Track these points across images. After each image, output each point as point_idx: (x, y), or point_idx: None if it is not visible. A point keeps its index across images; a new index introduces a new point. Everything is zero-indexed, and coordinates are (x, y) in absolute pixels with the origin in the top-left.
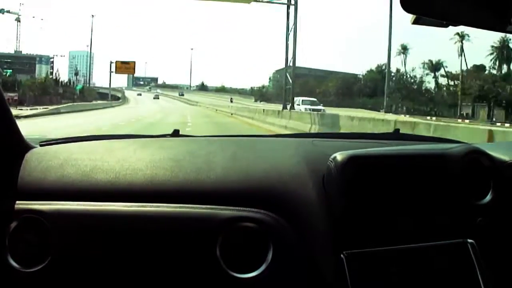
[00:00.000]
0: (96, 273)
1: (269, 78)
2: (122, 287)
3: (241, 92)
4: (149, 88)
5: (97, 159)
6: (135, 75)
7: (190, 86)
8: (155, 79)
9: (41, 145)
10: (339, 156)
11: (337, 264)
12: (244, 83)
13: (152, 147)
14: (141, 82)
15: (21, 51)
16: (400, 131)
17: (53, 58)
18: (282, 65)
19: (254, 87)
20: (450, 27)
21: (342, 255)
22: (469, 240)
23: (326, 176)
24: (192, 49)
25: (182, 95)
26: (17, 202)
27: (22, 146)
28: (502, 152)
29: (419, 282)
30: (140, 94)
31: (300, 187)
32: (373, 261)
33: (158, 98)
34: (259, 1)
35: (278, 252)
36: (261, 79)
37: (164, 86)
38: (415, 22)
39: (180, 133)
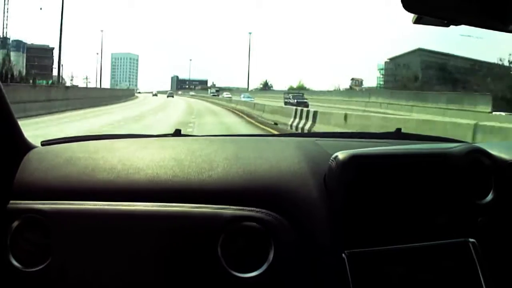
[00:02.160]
0: (98, 273)
1: (381, 70)
2: (124, 286)
3: (324, 93)
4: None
5: (99, 159)
6: (181, 77)
7: (248, 86)
8: (204, 82)
9: (42, 145)
10: (340, 155)
11: (338, 264)
12: (326, 82)
13: (153, 147)
14: (186, 85)
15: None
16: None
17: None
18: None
19: (338, 87)
20: (452, 26)
21: (343, 255)
22: (471, 239)
23: (327, 175)
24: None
25: (216, 94)
26: (19, 201)
27: (23, 146)
28: (503, 151)
29: (421, 281)
30: (156, 95)
31: (301, 186)
32: (375, 260)
33: (173, 97)
34: None
35: (279, 251)
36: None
37: (214, 88)
38: (417, 21)
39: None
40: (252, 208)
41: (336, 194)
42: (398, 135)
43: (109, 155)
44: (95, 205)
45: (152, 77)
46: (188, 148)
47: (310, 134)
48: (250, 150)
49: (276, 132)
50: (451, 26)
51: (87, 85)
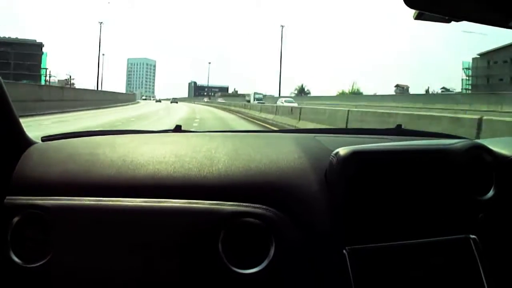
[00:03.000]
0: (98, 269)
1: (466, 69)
2: (124, 282)
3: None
4: (209, 97)
5: (99, 154)
6: (199, 83)
7: (280, 92)
8: (224, 88)
9: (43, 141)
10: (341, 151)
11: (339, 260)
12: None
13: (154, 143)
14: (205, 93)
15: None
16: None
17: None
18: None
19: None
20: (453, 22)
21: (344, 251)
22: (472, 236)
23: (328, 171)
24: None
25: (262, 102)
26: (19, 197)
27: (24, 142)
28: (504, 148)
29: (422, 277)
30: (160, 101)
31: (302, 182)
32: (376, 256)
33: (177, 103)
34: None
35: (280, 247)
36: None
37: (236, 95)
38: (418, 17)
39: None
40: (253, 204)
41: (337, 190)
42: (398, 131)
43: (110, 150)
44: (96, 200)
45: (170, 83)
46: (188, 144)
47: (310, 130)
48: (251, 146)
49: (275, 128)
50: (452, 22)
51: (70, 85)
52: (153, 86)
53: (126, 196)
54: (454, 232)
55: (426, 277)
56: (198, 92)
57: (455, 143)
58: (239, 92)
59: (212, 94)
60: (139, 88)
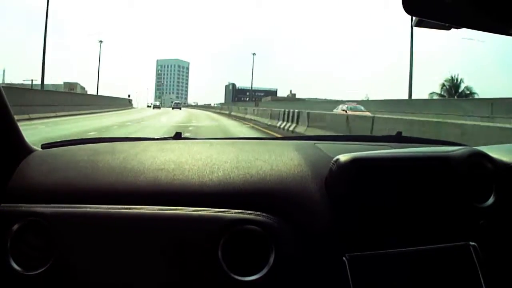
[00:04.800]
0: (98, 276)
1: None
2: None
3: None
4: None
5: (99, 162)
6: (238, 85)
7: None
8: (272, 92)
9: (43, 148)
10: (341, 158)
11: (339, 267)
12: None
13: (154, 150)
14: (246, 97)
15: None
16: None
17: None
18: None
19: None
20: (453, 29)
21: (344, 258)
22: (472, 243)
23: (328, 178)
24: None
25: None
26: (19, 205)
27: (24, 149)
28: (504, 155)
29: (422, 284)
30: (159, 107)
31: (302, 189)
32: (376, 264)
33: (180, 109)
34: None
35: (280, 254)
36: None
37: (293, 99)
38: (418, 24)
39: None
40: (253, 212)
41: (336, 197)
42: (398, 138)
43: (110, 158)
44: (96, 208)
45: (205, 87)
46: (188, 151)
47: (310, 137)
48: (250, 153)
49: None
50: (452, 29)
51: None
52: (186, 90)
53: (126, 203)
54: (454, 239)
55: (426, 284)
56: (237, 96)
57: (455, 150)
58: (297, 96)
59: (258, 98)
60: (170, 93)
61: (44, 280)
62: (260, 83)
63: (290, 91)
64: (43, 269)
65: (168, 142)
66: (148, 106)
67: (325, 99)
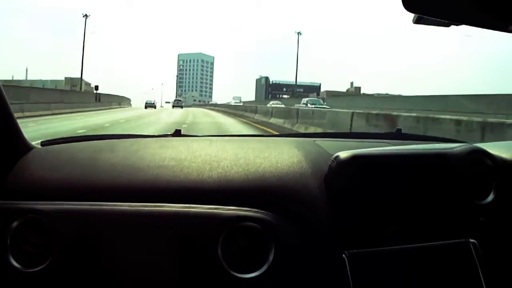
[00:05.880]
0: (98, 274)
1: None
2: (124, 286)
3: None
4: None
5: (99, 159)
6: (273, 79)
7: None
8: (315, 87)
9: (42, 145)
10: (341, 155)
11: (339, 264)
12: None
13: (153, 147)
14: (281, 94)
15: None
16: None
17: None
18: None
19: None
20: (452, 26)
21: (344, 255)
22: (471, 240)
23: (328, 175)
24: None
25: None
26: (19, 202)
27: (23, 146)
28: (504, 152)
29: (422, 281)
30: (153, 106)
31: (301, 186)
32: (375, 260)
33: (181, 107)
34: None
35: (279, 252)
36: None
37: (354, 94)
38: (417, 21)
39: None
40: (252, 209)
41: (336, 194)
42: (398, 135)
43: (109, 155)
44: (96, 205)
45: (231, 82)
46: (188, 148)
47: (310, 134)
48: (250, 150)
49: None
50: (452, 26)
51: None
52: (211, 87)
53: (126, 200)
54: (454, 236)
55: (426, 281)
56: (272, 92)
57: (455, 147)
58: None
59: (296, 95)
60: (193, 90)
61: (44, 277)
62: (297, 78)
63: (351, 84)
64: (42, 266)
65: (168, 139)
66: (145, 106)
67: (399, 95)
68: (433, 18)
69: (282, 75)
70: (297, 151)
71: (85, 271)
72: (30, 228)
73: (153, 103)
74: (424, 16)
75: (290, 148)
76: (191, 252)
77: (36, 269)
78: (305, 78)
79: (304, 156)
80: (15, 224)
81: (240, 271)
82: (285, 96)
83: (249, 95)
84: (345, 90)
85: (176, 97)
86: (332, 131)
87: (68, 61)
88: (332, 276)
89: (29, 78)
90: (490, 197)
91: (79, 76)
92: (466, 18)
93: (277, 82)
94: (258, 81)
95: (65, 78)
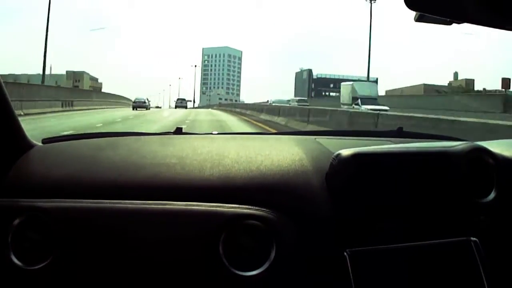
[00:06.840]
0: (99, 271)
1: None
2: (125, 284)
3: None
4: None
5: (101, 156)
6: (316, 73)
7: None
8: (371, 82)
9: (43, 143)
10: (342, 153)
11: (340, 262)
12: None
13: (155, 145)
14: (327, 91)
15: None
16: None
17: None
18: None
19: None
20: (454, 24)
21: (345, 253)
22: (473, 238)
23: (329, 173)
24: None
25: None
26: (20, 199)
27: (24, 144)
28: (505, 150)
29: (422, 280)
30: (145, 107)
31: (303, 184)
32: (376, 259)
33: (186, 108)
34: None
35: (281, 250)
36: None
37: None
38: (419, 19)
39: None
40: (254, 206)
41: (337, 192)
42: (399, 133)
43: (111, 153)
44: (97, 203)
45: (263, 80)
46: (189, 146)
47: (311, 132)
48: (252, 148)
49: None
50: (454, 24)
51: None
52: (238, 84)
53: (128, 198)
54: (455, 235)
55: (427, 279)
56: (316, 89)
57: (456, 145)
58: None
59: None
60: (219, 87)
61: (45, 275)
62: (369, 69)
63: (455, 74)
64: (44, 264)
65: (169, 137)
66: (133, 107)
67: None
68: (434, 16)
69: (327, 70)
70: (298, 149)
71: (86, 268)
72: (31, 225)
73: (145, 103)
74: (426, 14)
75: (292, 146)
76: (192, 250)
77: (38, 266)
78: (359, 72)
79: (305, 154)
80: (16, 221)
81: (241, 268)
82: (332, 94)
83: (285, 93)
84: (446, 84)
85: (201, 95)
86: None
87: (68, 52)
88: (333, 274)
89: (26, 72)
90: (492, 195)
91: (82, 70)
92: (468, 16)
93: (323, 76)
94: (298, 75)
95: (67, 72)
